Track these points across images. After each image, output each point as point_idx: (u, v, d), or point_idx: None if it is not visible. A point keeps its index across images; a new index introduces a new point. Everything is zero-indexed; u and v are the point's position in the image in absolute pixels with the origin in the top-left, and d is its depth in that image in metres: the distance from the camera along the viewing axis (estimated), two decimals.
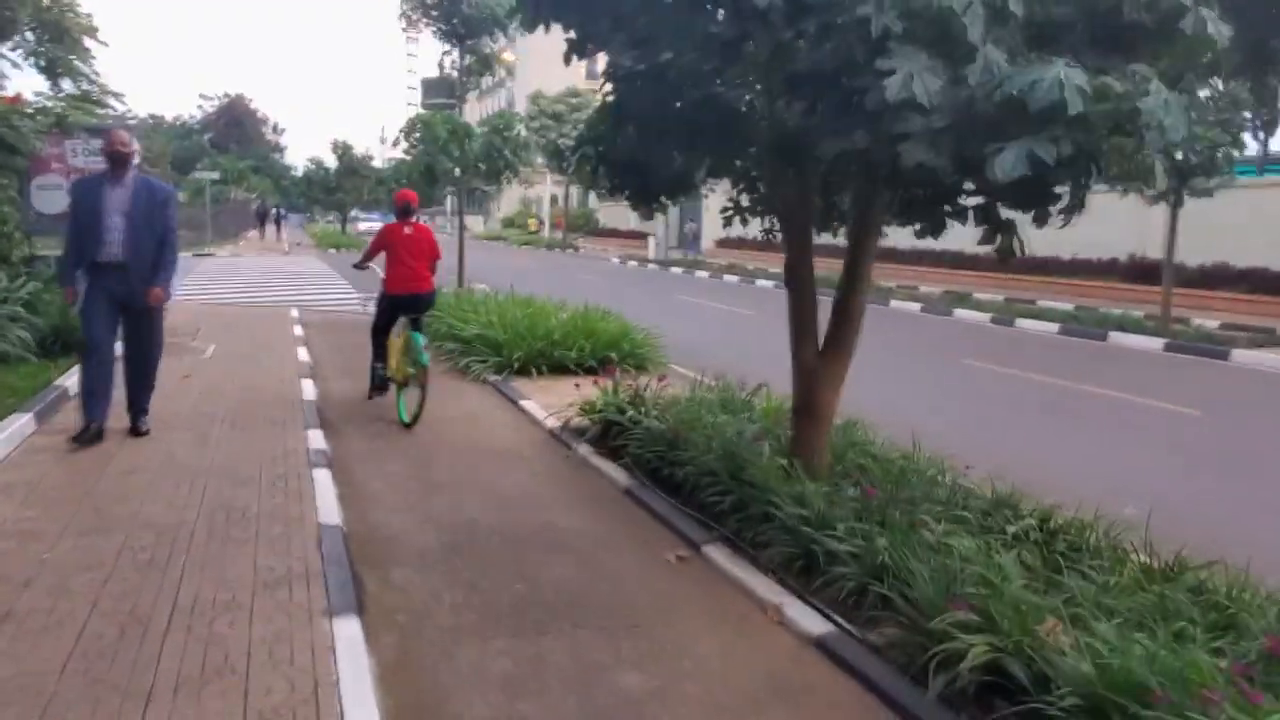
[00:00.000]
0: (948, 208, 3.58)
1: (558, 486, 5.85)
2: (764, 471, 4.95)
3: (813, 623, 3.82)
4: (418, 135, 13.51)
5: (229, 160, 60.96)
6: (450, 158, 13.13)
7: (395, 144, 14.49)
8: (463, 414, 7.80)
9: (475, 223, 72.19)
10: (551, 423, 7.22)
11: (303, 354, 10.14)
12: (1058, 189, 3.16)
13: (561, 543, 4.79)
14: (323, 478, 5.43)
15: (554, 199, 58.76)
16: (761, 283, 26.26)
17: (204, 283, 20.42)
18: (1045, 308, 19.19)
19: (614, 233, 54.05)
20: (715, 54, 4.01)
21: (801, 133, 4.25)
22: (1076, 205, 3.18)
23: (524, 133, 14.46)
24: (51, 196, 11.72)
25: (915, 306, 20.31)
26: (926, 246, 26.89)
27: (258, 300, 17.20)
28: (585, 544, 4.79)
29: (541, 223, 61.23)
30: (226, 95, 75.55)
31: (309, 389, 8.14)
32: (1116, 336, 15.08)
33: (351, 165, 43.68)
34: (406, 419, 7.19)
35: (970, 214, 3.70)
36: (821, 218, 5.55)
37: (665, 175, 5.67)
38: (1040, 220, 3.39)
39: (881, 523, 4.23)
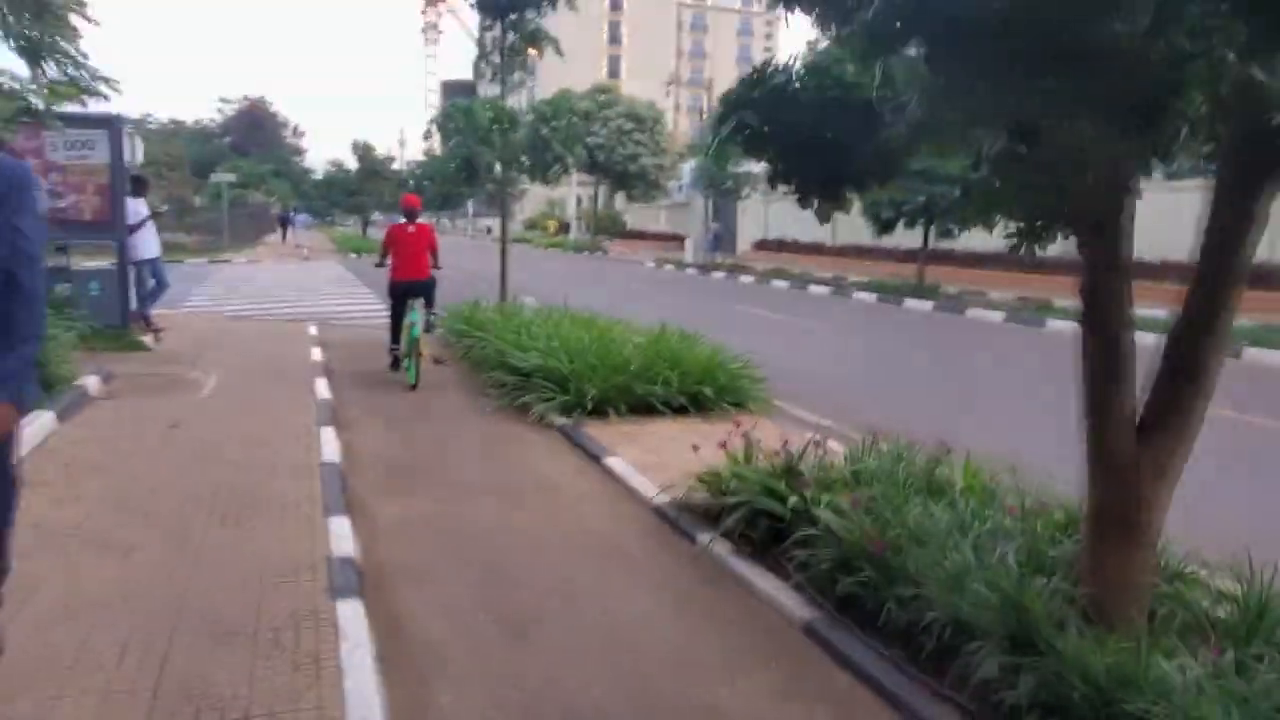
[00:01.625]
0: None
1: (699, 619, 3.92)
2: (1059, 629, 3.02)
3: None
4: (455, 125, 11.65)
5: (249, 164, 59.59)
6: (492, 149, 11.24)
7: (426, 136, 12.68)
8: (533, 481, 5.89)
9: (497, 225, 70.48)
10: (659, 498, 5.30)
11: (322, 388, 8.27)
12: None
13: None
14: (352, 619, 3.52)
15: (579, 200, 56.98)
16: (815, 289, 24.32)
17: (216, 293, 18.69)
18: (1144, 317, 16.99)
19: (641, 235, 52.21)
20: None
21: None
22: None
23: (576, 121, 12.54)
24: None
25: (996, 316, 18.24)
26: (985, 248, 25.02)
27: (272, 313, 15.40)
28: None
29: (565, 225, 59.49)
30: (246, 98, 74.35)
31: (330, 443, 6.26)
32: (1253, 353, 12.98)
33: (373, 167, 42.05)
34: (411, 381, 8.69)
35: None
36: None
37: (862, 155, 3.78)
38: None
39: None
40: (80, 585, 3.81)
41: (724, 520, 4.65)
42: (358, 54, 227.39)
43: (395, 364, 9.25)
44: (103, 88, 11.17)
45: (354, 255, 33.37)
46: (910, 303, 20.37)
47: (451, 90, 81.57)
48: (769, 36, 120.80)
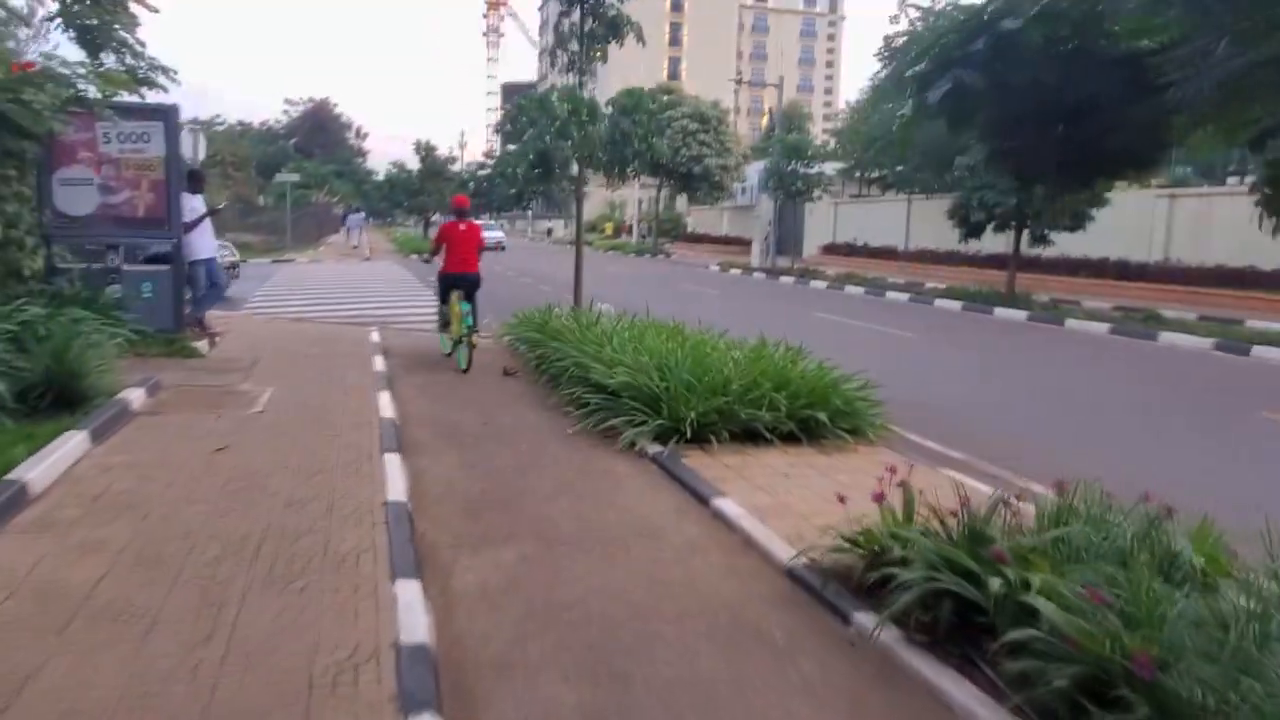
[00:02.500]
0: None
1: None
2: None
3: None
4: (528, 118, 10.81)
5: (312, 165, 60.05)
6: (569, 140, 10.37)
7: (500, 129, 11.92)
8: (631, 525, 4.95)
9: (557, 226, 70.11)
10: (795, 560, 4.31)
11: (385, 404, 7.46)
12: None
13: None
14: None
15: (640, 202, 56.20)
16: (892, 295, 23.04)
17: (277, 293, 18.21)
18: (1267, 330, 15.49)
19: (704, 238, 51.24)
20: None
21: None
22: None
23: (647, 117, 11.65)
24: (79, 194, 9.37)
25: (1101, 328, 16.77)
26: (1082, 255, 23.45)
27: (333, 315, 14.79)
28: None
29: (626, 227, 58.82)
30: (311, 100, 75.20)
31: (395, 476, 5.40)
32: None
33: (435, 167, 41.74)
34: (464, 366, 9.31)
35: None
36: None
37: (1119, 129, 2.76)
38: None
39: None
40: (85, 678, 2.96)
41: (893, 599, 3.64)
42: (417, 56, 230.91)
43: (444, 325, 10.09)
44: (160, 78, 10.55)
45: (414, 256, 32.92)
46: (1000, 312, 19.00)
47: (512, 91, 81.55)
48: (831, 38, 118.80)
